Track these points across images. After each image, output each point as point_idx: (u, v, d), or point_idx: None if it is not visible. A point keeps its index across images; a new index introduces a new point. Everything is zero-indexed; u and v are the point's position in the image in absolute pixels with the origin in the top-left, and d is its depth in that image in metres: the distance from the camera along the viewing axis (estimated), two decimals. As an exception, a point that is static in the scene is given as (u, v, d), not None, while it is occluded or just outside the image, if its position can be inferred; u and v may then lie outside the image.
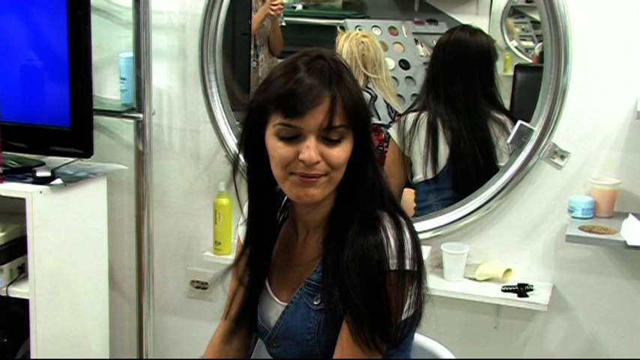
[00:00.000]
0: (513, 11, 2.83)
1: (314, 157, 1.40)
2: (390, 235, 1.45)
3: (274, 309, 1.58)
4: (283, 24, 2.94)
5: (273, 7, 2.85)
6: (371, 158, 1.50)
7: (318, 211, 1.52)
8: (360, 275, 1.43)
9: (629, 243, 2.16)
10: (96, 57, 2.47)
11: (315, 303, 1.50)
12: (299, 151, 1.41)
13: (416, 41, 2.92)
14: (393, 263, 1.43)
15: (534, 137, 2.38)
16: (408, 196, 2.69)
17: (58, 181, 2.41)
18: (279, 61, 2.84)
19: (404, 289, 1.45)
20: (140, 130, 2.63)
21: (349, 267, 1.44)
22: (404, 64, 2.91)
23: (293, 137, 1.42)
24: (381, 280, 1.43)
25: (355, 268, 1.43)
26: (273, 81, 1.43)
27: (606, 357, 2.46)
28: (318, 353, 1.51)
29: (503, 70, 2.75)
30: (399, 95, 2.88)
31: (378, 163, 1.54)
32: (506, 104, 2.65)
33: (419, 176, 2.61)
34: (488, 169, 2.52)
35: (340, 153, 1.43)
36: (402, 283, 1.45)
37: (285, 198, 1.59)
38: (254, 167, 1.52)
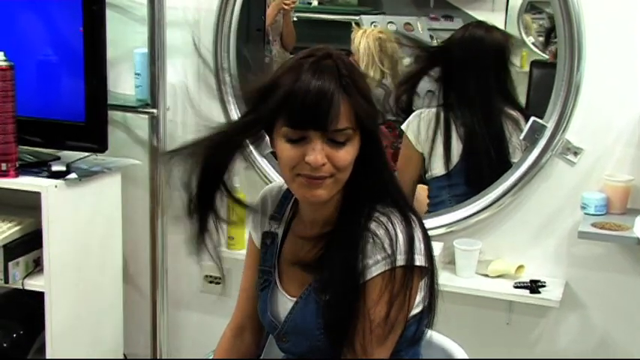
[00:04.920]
0: (530, 7, 2.81)
1: (319, 161, 1.41)
2: (398, 231, 1.45)
3: (284, 304, 1.58)
4: (295, 19, 2.94)
5: (287, 2, 2.86)
6: (380, 156, 1.50)
7: (325, 209, 1.53)
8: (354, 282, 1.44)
9: (642, 240, 2.16)
10: (111, 53, 2.49)
11: (324, 298, 1.49)
12: (305, 154, 1.42)
13: (431, 37, 2.91)
14: (401, 259, 1.43)
15: (547, 133, 2.38)
16: (422, 192, 2.69)
17: (73, 175, 2.43)
18: (292, 56, 2.85)
19: (412, 285, 1.46)
20: (154, 125, 2.65)
21: (348, 269, 1.45)
22: (419, 61, 2.90)
23: (300, 139, 1.42)
24: (380, 284, 1.44)
25: (353, 273, 1.44)
26: (279, 83, 1.42)
27: (619, 354, 2.45)
28: (328, 348, 1.51)
29: (520, 67, 2.74)
30: (413, 91, 2.87)
31: (388, 160, 1.54)
32: (522, 100, 2.64)
33: (432, 172, 2.61)
34: (502, 165, 2.52)
35: (346, 155, 1.43)
36: (411, 278, 1.45)
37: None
38: None
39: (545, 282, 2.39)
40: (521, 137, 2.43)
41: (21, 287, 2.44)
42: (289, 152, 1.44)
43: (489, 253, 2.48)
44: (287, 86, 1.41)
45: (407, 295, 1.45)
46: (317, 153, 1.41)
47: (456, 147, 2.57)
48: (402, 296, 1.44)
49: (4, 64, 2.30)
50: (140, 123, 2.76)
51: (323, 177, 1.44)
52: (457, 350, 1.77)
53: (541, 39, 2.79)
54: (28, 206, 2.45)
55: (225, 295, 2.84)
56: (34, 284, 2.44)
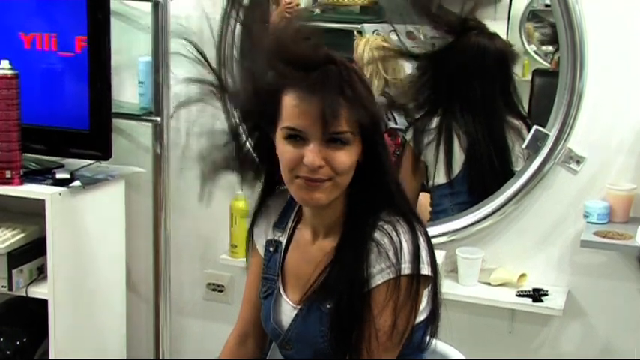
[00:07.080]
0: (532, 15, 2.81)
1: (316, 162, 1.42)
2: (403, 240, 1.45)
3: (287, 311, 1.59)
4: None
5: (289, 10, 2.87)
6: (383, 163, 1.50)
7: (327, 215, 1.54)
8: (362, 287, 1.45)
9: (644, 248, 2.16)
10: (115, 61, 2.50)
11: (328, 306, 1.50)
12: (304, 155, 1.43)
13: (433, 46, 2.91)
14: (406, 267, 1.44)
15: (550, 142, 2.38)
16: (424, 201, 2.70)
17: (77, 183, 2.44)
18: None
19: (418, 293, 1.46)
20: (158, 133, 2.65)
21: (353, 277, 1.45)
22: (421, 69, 2.90)
23: (299, 141, 1.43)
24: (387, 291, 1.44)
25: (361, 278, 1.45)
26: (283, 83, 1.44)
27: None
28: (331, 355, 1.52)
29: (522, 75, 2.74)
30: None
31: (393, 168, 1.54)
32: (525, 109, 2.64)
33: (434, 180, 2.62)
34: (504, 173, 2.52)
35: (344, 158, 1.44)
36: (417, 287, 1.46)
37: None
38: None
39: (547, 290, 2.40)
40: (524, 146, 2.43)
41: (25, 294, 2.44)
42: (288, 154, 1.45)
43: (492, 262, 2.49)
44: (288, 88, 1.42)
45: (413, 304, 1.45)
46: (314, 154, 1.41)
47: (459, 155, 2.57)
48: (408, 305, 1.45)
49: (9, 72, 2.31)
50: (144, 131, 2.77)
51: (321, 180, 1.44)
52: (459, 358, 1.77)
53: (544, 47, 2.79)
54: (32, 214, 2.46)
55: (228, 303, 2.84)
56: (37, 291, 2.44)
